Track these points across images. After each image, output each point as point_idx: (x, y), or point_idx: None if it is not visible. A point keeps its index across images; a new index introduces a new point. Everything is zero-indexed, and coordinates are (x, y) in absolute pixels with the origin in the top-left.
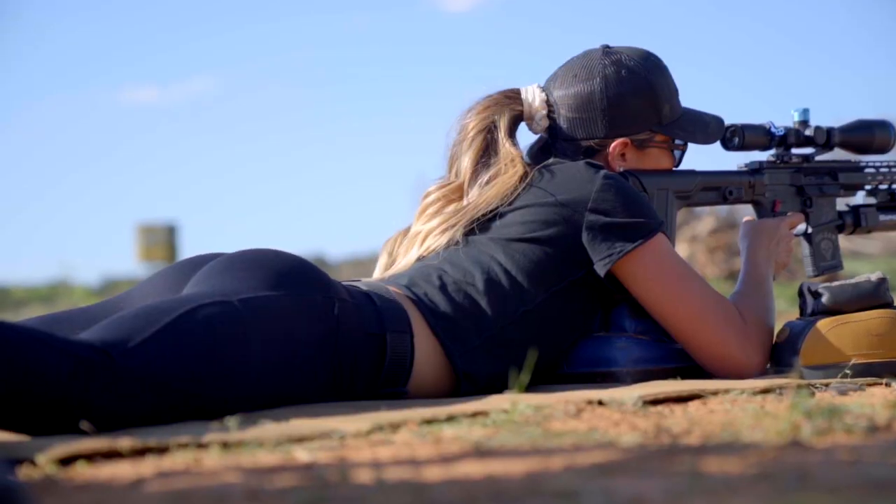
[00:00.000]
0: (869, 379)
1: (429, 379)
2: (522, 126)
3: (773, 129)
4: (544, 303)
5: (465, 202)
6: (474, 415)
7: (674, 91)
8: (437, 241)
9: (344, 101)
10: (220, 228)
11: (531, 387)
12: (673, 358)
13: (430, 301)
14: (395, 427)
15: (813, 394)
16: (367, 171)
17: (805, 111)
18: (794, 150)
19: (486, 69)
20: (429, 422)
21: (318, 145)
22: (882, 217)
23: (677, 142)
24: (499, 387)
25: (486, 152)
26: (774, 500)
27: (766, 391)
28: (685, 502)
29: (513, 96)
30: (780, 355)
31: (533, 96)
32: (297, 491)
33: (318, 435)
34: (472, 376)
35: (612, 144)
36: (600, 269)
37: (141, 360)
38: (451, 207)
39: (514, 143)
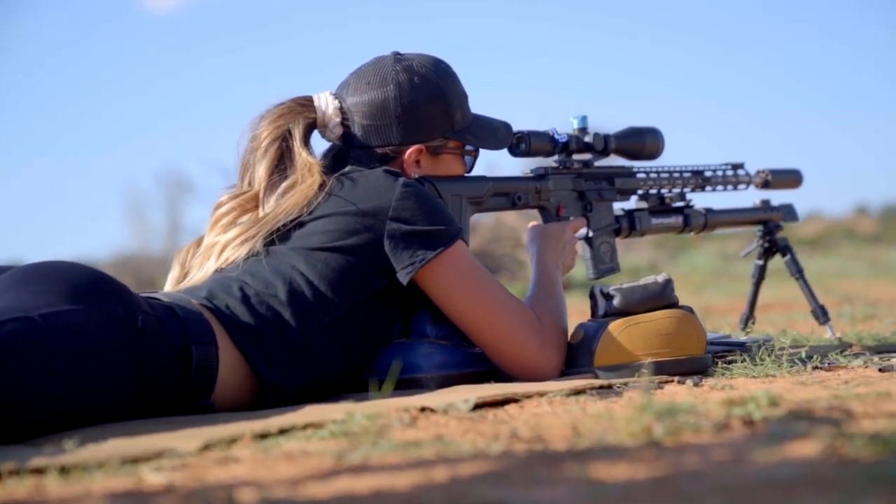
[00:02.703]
0: (663, 377)
1: (234, 391)
2: (317, 133)
3: (556, 136)
4: (348, 312)
5: (261, 212)
6: (305, 427)
7: (464, 97)
8: (235, 253)
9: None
10: None
11: (334, 396)
12: (474, 362)
13: (232, 313)
14: (229, 443)
15: (621, 394)
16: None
17: (584, 118)
18: (575, 157)
19: (190, 69)
20: (262, 436)
21: None
22: (654, 220)
23: (469, 148)
24: (307, 398)
25: (282, 161)
26: None
27: (579, 392)
28: None
29: (306, 104)
30: (575, 356)
31: (326, 104)
32: None
33: (153, 454)
34: (279, 388)
35: (408, 151)
36: (403, 277)
37: None
38: (247, 218)
39: (310, 152)
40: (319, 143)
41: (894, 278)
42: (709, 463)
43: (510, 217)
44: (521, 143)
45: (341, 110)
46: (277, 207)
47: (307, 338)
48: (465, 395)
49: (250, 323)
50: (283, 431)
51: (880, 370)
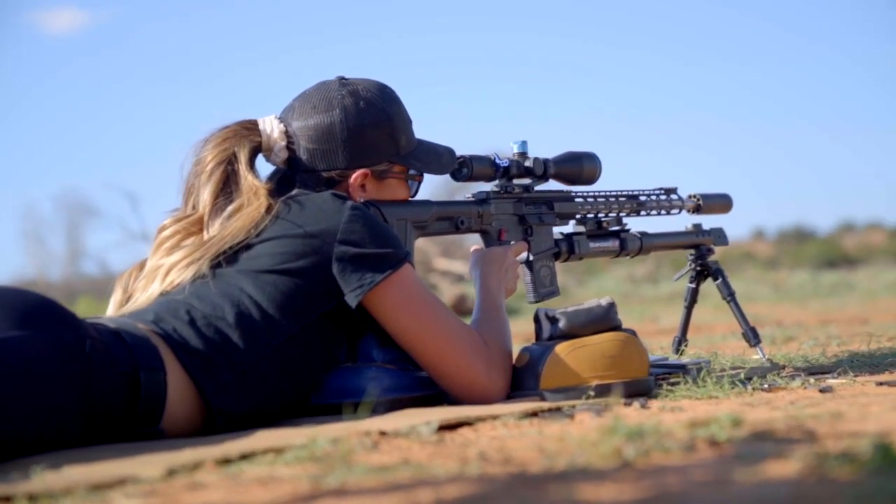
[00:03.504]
0: (610, 399)
1: (182, 416)
2: (261, 157)
3: (497, 161)
4: (296, 335)
5: (206, 236)
6: (266, 452)
7: (408, 122)
8: (181, 276)
9: None
10: None
11: (279, 421)
12: (420, 386)
13: (180, 336)
14: (192, 469)
15: (572, 416)
16: None
17: (524, 143)
18: (516, 181)
19: (90, 91)
20: (224, 461)
21: None
22: (592, 244)
23: (413, 172)
24: (255, 422)
25: (227, 185)
26: None
27: (534, 414)
28: None
29: (250, 127)
30: (521, 379)
31: (271, 128)
32: None
33: (116, 481)
34: (227, 412)
35: (353, 176)
36: (351, 300)
37: None
38: (192, 241)
39: (256, 175)
40: (264, 167)
41: (798, 301)
42: (693, 484)
43: (418, 241)
44: (463, 168)
45: (286, 134)
46: (224, 230)
47: (255, 361)
48: (417, 418)
49: (198, 347)
50: (244, 457)
51: (821, 391)
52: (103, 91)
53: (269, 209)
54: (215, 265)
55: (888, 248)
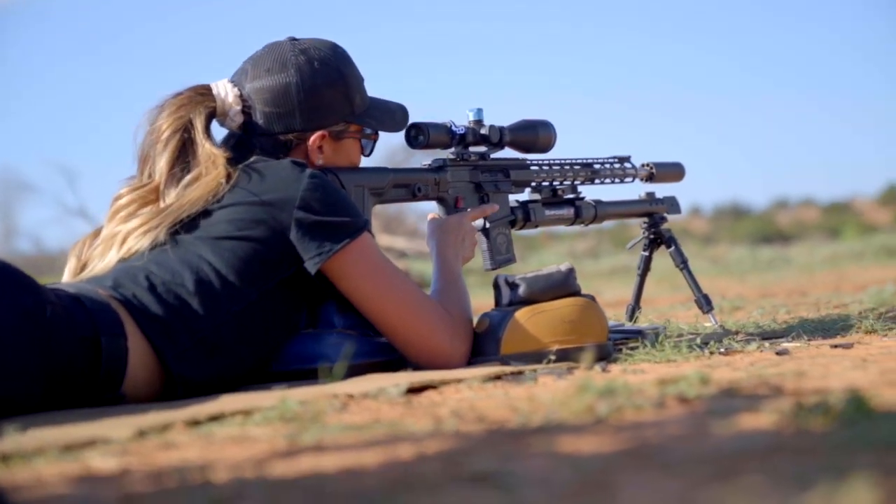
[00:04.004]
0: (569, 364)
1: (143, 382)
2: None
3: (453, 128)
4: (255, 302)
5: (163, 204)
6: (234, 414)
7: (361, 80)
8: (138, 243)
9: None
10: None
11: (240, 387)
12: (381, 352)
13: (140, 303)
14: (162, 430)
15: (535, 379)
16: None
17: (479, 111)
18: (472, 149)
19: (24, 63)
20: (194, 423)
21: None
22: (547, 212)
23: (368, 131)
24: (215, 388)
25: (184, 153)
26: (682, 472)
27: (497, 378)
28: (608, 478)
29: (204, 93)
30: (482, 345)
31: (225, 92)
32: (188, 492)
33: (86, 442)
34: (187, 378)
35: (311, 138)
36: (311, 266)
37: None
38: (149, 209)
39: (214, 143)
40: (219, 132)
41: (738, 275)
42: (671, 437)
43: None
44: (419, 136)
45: (241, 98)
46: (182, 199)
47: (214, 327)
48: (383, 382)
49: (158, 313)
50: (212, 419)
51: (778, 353)
52: (37, 65)
53: (227, 178)
54: (173, 233)
55: (821, 224)
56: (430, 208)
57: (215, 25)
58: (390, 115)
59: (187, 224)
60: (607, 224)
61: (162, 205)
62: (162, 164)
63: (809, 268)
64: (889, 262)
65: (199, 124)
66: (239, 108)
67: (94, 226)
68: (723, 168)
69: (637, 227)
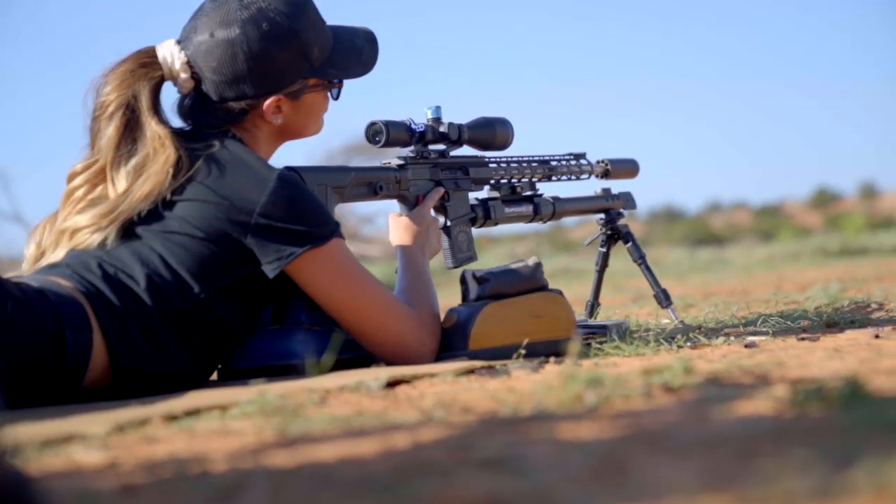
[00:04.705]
0: (540, 358)
1: (98, 375)
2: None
3: (413, 126)
4: (209, 298)
5: (111, 190)
6: (211, 409)
7: (320, 28)
8: (88, 239)
9: None
10: None
11: (203, 384)
12: (348, 348)
13: (99, 292)
14: (140, 425)
15: (508, 373)
16: None
17: (437, 108)
18: (431, 147)
19: None
20: (171, 418)
21: None
22: (507, 209)
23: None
24: (168, 383)
25: (130, 130)
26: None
27: (469, 372)
28: (622, 461)
29: (149, 62)
30: (450, 340)
31: (172, 57)
32: (188, 482)
33: (63, 437)
34: (137, 371)
35: (266, 104)
36: (269, 271)
37: None
38: (99, 191)
39: (161, 119)
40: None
41: (677, 276)
42: (669, 423)
43: None
44: (379, 133)
45: (189, 65)
46: (131, 195)
47: (164, 320)
48: (356, 377)
49: (114, 303)
50: (189, 413)
51: (746, 346)
52: None
53: (177, 163)
54: (122, 232)
55: (754, 226)
56: (391, 207)
57: None
58: (356, 56)
59: (145, 216)
60: (546, 226)
61: (111, 191)
62: (105, 142)
63: (747, 269)
64: (825, 263)
65: (144, 100)
66: (187, 75)
67: (27, 231)
68: (656, 171)
69: (587, 225)
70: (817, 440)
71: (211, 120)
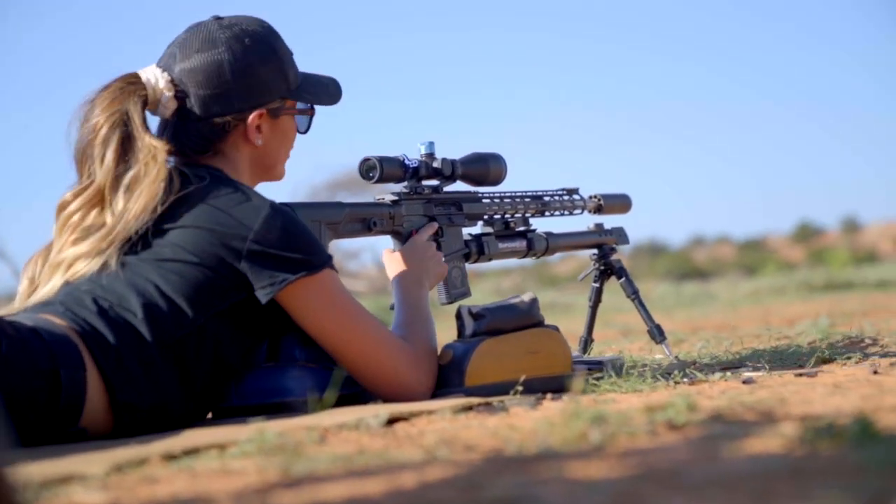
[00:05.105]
0: (537, 395)
1: (97, 413)
2: None
3: (407, 162)
4: (205, 326)
5: (108, 215)
6: (210, 447)
7: (292, 55)
8: (87, 267)
9: None
10: None
11: (199, 422)
12: (345, 385)
13: (93, 329)
14: (138, 464)
15: (506, 410)
16: None
17: (431, 144)
18: (424, 182)
19: None
20: (169, 457)
21: None
22: (501, 245)
23: (301, 106)
24: (161, 420)
25: (124, 150)
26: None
27: (467, 409)
28: (640, 501)
29: (134, 81)
30: (446, 377)
31: (155, 79)
32: None
33: (61, 478)
34: (133, 407)
35: (251, 117)
36: (262, 296)
37: None
38: (94, 216)
39: (152, 134)
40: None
41: (663, 311)
42: (679, 461)
43: None
44: (373, 169)
45: (173, 83)
46: (127, 213)
47: (161, 351)
48: (354, 415)
49: (110, 340)
50: (187, 452)
51: (744, 382)
52: None
53: (168, 176)
54: (122, 255)
55: (737, 261)
56: (379, 242)
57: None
58: (324, 88)
59: (134, 243)
60: (532, 260)
61: (108, 216)
62: (106, 163)
63: (733, 303)
64: (810, 297)
65: (136, 116)
66: (171, 93)
67: (11, 269)
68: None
69: (571, 260)
70: (834, 479)
71: (195, 141)
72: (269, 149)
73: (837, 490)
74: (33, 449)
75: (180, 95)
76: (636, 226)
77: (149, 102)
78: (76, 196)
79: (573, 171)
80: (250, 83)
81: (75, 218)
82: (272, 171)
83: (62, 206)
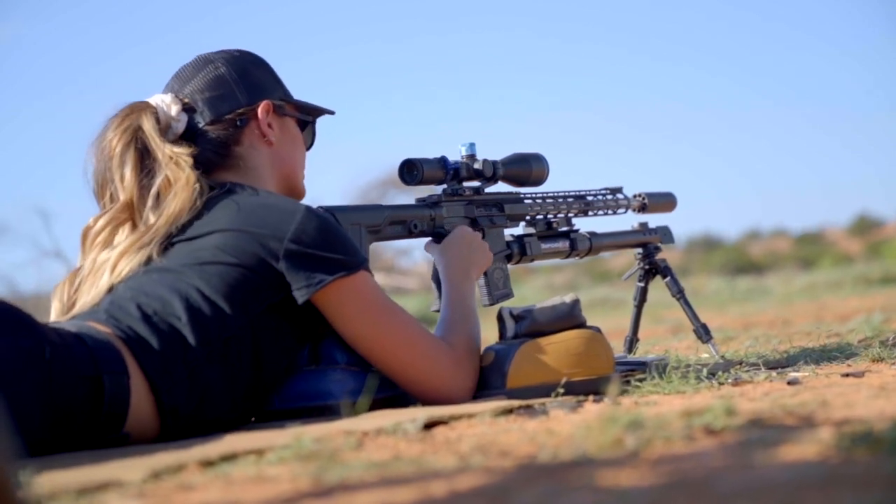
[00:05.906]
0: (578, 397)
1: (144, 418)
2: None
3: (447, 163)
4: (246, 327)
5: (142, 221)
6: (248, 453)
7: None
8: (129, 263)
9: None
10: None
11: (240, 426)
12: (384, 388)
13: (137, 335)
14: (176, 471)
15: (547, 413)
16: None
17: (472, 145)
18: (466, 184)
19: None
20: (207, 464)
21: None
22: (543, 245)
23: (301, 116)
24: (207, 420)
25: (144, 162)
26: None
27: (507, 412)
28: None
29: (142, 105)
30: (487, 378)
31: (162, 101)
32: None
33: (98, 485)
34: (179, 410)
35: (259, 108)
36: (299, 297)
37: None
38: (125, 229)
39: (168, 140)
40: None
41: (717, 306)
42: (712, 469)
43: None
44: (414, 171)
45: (179, 98)
46: (165, 214)
47: (206, 355)
48: (393, 418)
49: (155, 346)
50: (224, 459)
51: (789, 383)
52: (9, 102)
53: (198, 180)
54: (162, 256)
55: (794, 254)
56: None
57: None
58: (314, 106)
59: (174, 251)
60: (584, 257)
61: (140, 224)
62: (127, 181)
63: (788, 298)
64: (867, 292)
65: (148, 127)
66: (179, 106)
67: (69, 268)
68: (694, 199)
69: (624, 255)
70: (866, 490)
71: (213, 146)
72: (283, 150)
73: (869, 501)
74: (75, 455)
75: (188, 108)
76: (690, 220)
77: (160, 121)
78: (100, 217)
79: (621, 167)
80: (251, 81)
81: (103, 236)
82: (292, 180)
83: (86, 230)
